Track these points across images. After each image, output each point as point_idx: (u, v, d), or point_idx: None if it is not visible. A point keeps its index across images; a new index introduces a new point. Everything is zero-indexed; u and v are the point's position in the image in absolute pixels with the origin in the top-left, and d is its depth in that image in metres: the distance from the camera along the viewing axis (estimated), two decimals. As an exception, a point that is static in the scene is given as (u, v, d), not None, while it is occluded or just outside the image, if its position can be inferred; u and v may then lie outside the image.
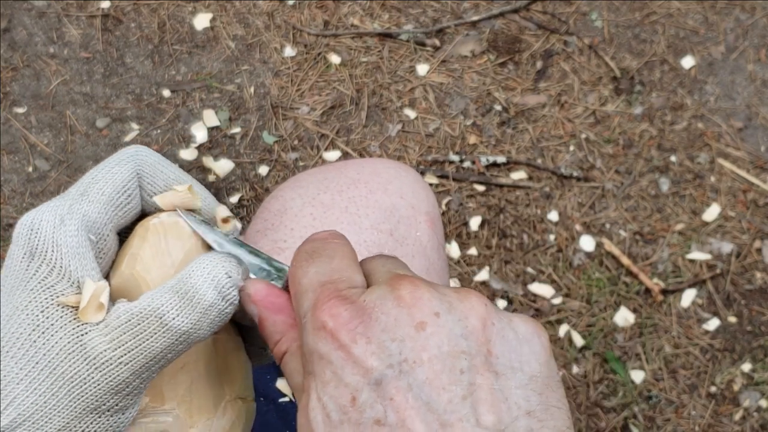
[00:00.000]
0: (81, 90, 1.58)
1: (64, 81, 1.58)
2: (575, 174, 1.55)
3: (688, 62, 1.66)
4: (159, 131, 1.55)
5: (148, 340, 0.32)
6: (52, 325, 0.32)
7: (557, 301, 1.46)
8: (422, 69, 1.63)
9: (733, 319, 1.46)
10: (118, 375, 0.32)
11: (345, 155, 1.55)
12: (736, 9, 1.71)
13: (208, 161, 1.53)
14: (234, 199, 1.52)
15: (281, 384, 0.68)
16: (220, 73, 1.61)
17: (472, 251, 1.49)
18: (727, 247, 1.51)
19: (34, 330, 0.32)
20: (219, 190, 1.52)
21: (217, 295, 0.33)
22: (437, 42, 1.66)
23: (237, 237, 0.38)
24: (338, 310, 0.31)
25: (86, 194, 0.34)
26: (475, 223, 1.51)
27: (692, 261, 1.50)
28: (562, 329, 1.44)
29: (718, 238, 1.52)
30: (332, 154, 1.55)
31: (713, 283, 1.48)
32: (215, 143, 1.56)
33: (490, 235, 1.51)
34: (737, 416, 1.39)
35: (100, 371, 0.32)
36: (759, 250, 1.51)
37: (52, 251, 0.32)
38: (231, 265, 0.34)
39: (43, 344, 0.32)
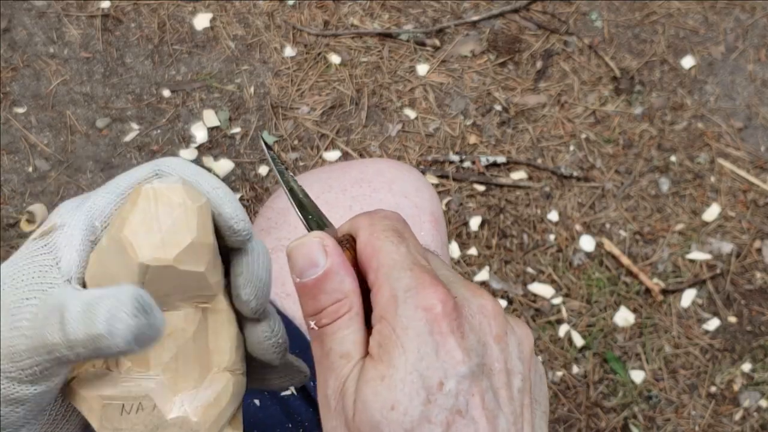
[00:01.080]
0: (81, 90, 1.58)
1: (64, 81, 1.58)
2: (575, 174, 1.55)
3: (688, 62, 1.66)
4: (159, 131, 1.55)
5: (46, 327, 0.32)
6: (14, 281, 0.33)
7: (557, 301, 1.46)
8: (422, 69, 1.63)
9: (733, 319, 1.46)
10: (17, 345, 0.33)
11: (345, 155, 1.55)
12: (736, 9, 1.71)
13: (208, 161, 1.53)
14: (234, 199, 1.52)
15: None
16: (220, 73, 1.61)
17: (472, 251, 1.49)
18: (727, 247, 1.51)
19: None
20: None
21: (106, 331, 0.32)
22: (437, 42, 1.66)
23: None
24: (446, 298, 0.32)
25: (106, 186, 0.37)
26: (475, 223, 1.51)
27: (692, 261, 1.50)
28: (562, 329, 1.44)
29: (718, 238, 1.52)
30: (332, 154, 1.55)
31: (713, 283, 1.48)
32: (215, 143, 1.56)
33: (490, 235, 1.51)
34: (737, 416, 1.39)
35: (10, 332, 0.33)
36: (759, 250, 1.51)
37: (58, 227, 0.35)
38: (130, 313, 0.32)
39: (6, 296, 0.33)
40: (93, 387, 0.35)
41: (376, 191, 0.76)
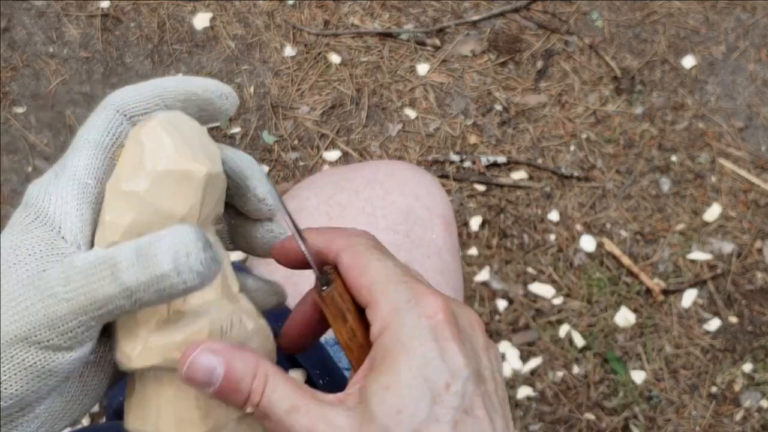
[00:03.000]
0: (81, 90, 1.57)
1: (64, 81, 1.58)
2: (576, 174, 1.55)
3: (688, 62, 1.66)
4: (159, 131, 1.55)
5: (93, 284, 0.32)
6: (19, 261, 0.33)
7: (558, 301, 1.46)
8: (422, 69, 1.63)
9: (734, 320, 1.46)
10: (57, 310, 0.32)
11: (345, 155, 1.55)
12: (736, 9, 1.71)
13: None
14: (234, 199, 1.52)
15: (293, 375, 0.68)
16: (220, 72, 1.61)
17: (473, 251, 1.49)
18: (727, 247, 1.51)
19: (2, 264, 0.33)
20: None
21: (172, 269, 0.32)
22: (437, 41, 1.65)
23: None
24: (446, 306, 0.34)
25: (75, 147, 0.36)
26: (475, 223, 1.51)
27: (693, 261, 1.49)
28: (563, 329, 1.44)
29: (718, 238, 1.51)
30: (332, 154, 1.55)
31: (714, 283, 1.48)
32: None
33: (490, 235, 1.51)
34: (738, 416, 1.39)
35: (43, 302, 0.32)
36: (760, 250, 1.51)
37: (42, 201, 0.34)
38: (197, 247, 0.32)
39: (11, 275, 0.33)
40: (185, 325, 0.35)
41: (389, 193, 0.76)
